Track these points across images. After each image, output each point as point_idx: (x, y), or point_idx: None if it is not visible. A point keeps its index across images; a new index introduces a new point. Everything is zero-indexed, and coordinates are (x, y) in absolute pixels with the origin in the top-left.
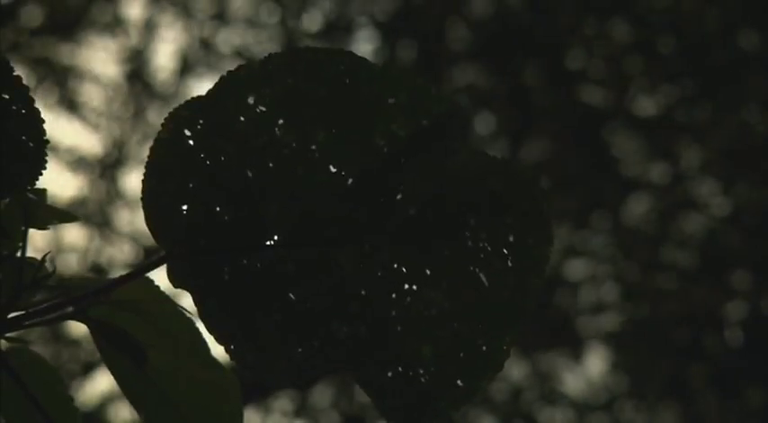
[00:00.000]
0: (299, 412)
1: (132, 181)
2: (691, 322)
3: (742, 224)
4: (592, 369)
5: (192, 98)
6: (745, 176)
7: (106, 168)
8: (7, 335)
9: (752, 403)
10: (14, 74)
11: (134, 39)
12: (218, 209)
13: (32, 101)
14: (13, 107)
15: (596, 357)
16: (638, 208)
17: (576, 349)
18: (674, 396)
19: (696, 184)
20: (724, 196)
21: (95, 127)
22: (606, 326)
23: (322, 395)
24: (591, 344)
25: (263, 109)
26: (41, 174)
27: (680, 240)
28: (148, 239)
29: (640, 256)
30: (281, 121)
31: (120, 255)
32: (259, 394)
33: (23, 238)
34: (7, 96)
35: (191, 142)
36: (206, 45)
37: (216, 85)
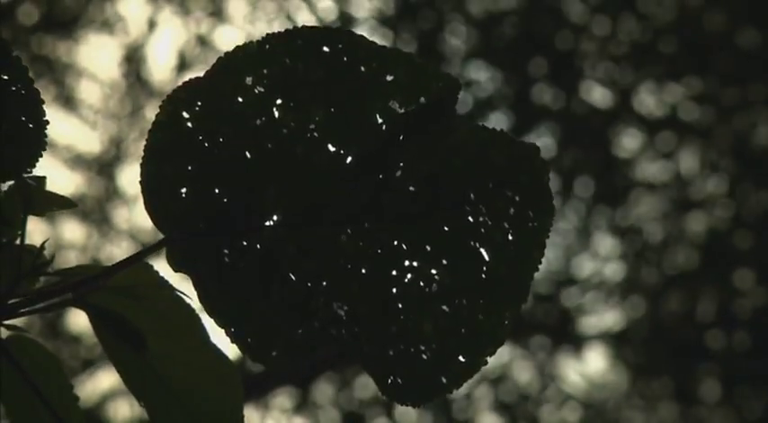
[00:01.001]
0: (298, 409)
1: (130, 178)
2: (695, 322)
3: (747, 224)
4: (594, 368)
5: (190, 80)
6: (750, 176)
7: (104, 166)
8: (7, 322)
9: (755, 404)
10: (13, 54)
11: (132, 36)
12: (217, 191)
13: (32, 81)
14: (12, 88)
15: (599, 356)
16: (642, 208)
17: (578, 348)
18: (677, 396)
19: (700, 183)
20: (729, 196)
21: (93, 124)
22: (609, 325)
23: (321, 392)
24: (593, 343)
25: (261, 89)
26: (41, 155)
27: (684, 240)
28: (147, 236)
29: (644, 256)
30: (279, 102)
31: (118, 252)
32: (258, 392)
33: (23, 224)
34: (6, 77)
35: (189, 125)
36: (204, 42)
37: (213, 66)
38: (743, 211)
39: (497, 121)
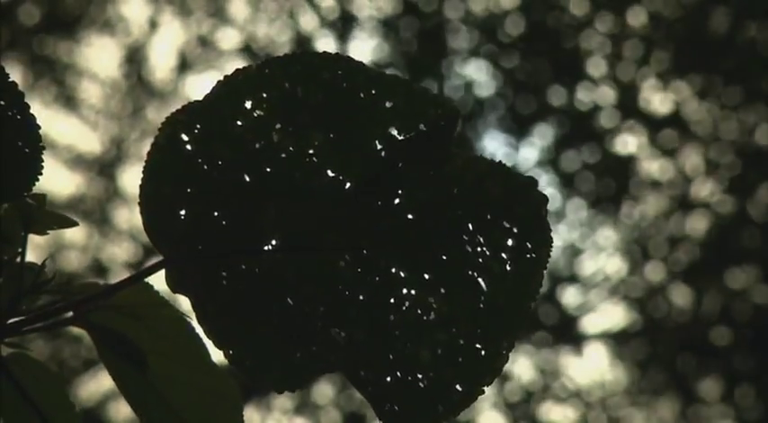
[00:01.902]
0: (299, 410)
1: (131, 179)
2: (699, 320)
3: (750, 222)
4: (595, 366)
5: (189, 102)
6: (752, 174)
7: (105, 166)
8: (7, 340)
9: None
10: (9, 80)
11: (133, 36)
12: (215, 214)
13: (27, 107)
14: (9, 113)
15: (600, 355)
16: (645, 206)
17: (578, 346)
18: (678, 393)
19: (703, 182)
20: (731, 194)
21: (94, 124)
22: (611, 323)
23: (323, 393)
24: (595, 341)
25: (260, 113)
26: (38, 179)
27: (687, 238)
28: (147, 238)
29: (647, 254)
30: (278, 126)
31: (119, 252)
32: (259, 392)
33: (23, 243)
34: (2, 102)
35: (188, 147)
36: (205, 42)
37: (213, 89)
38: (746, 208)
39: (498, 120)
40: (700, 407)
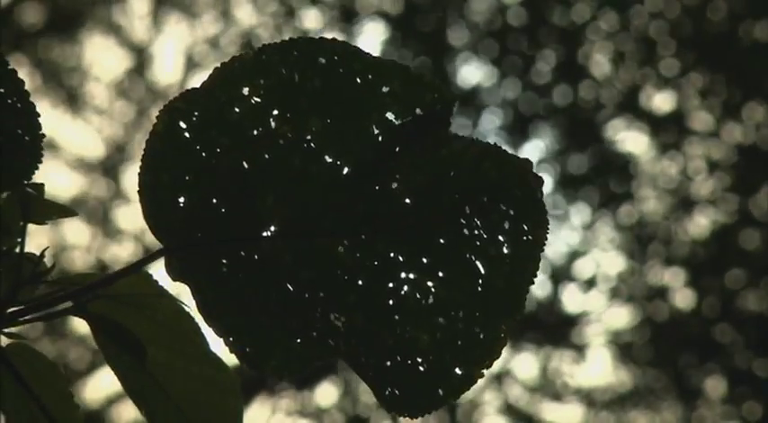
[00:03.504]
0: (302, 413)
1: (134, 180)
2: (702, 319)
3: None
4: (597, 367)
5: (187, 90)
6: (755, 174)
7: (109, 167)
8: (7, 330)
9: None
10: (9, 68)
11: (138, 38)
12: (214, 201)
13: (27, 94)
14: (9, 101)
15: (602, 356)
16: (647, 205)
17: (581, 347)
18: (681, 394)
19: (705, 181)
20: (734, 193)
21: (98, 126)
22: (614, 324)
23: (325, 395)
24: (597, 343)
25: (258, 100)
26: (38, 167)
27: (689, 237)
28: (151, 237)
29: (649, 253)
30: (275, 112)
31: (123, 253)
32: (263, 394)
33: (22, 232)
34: (2, 90)
35: (186, 135)
36: (210, 43)
37: (210, 76)
38: (748, 208)
39: (499, 120)
40: (701, 408)
